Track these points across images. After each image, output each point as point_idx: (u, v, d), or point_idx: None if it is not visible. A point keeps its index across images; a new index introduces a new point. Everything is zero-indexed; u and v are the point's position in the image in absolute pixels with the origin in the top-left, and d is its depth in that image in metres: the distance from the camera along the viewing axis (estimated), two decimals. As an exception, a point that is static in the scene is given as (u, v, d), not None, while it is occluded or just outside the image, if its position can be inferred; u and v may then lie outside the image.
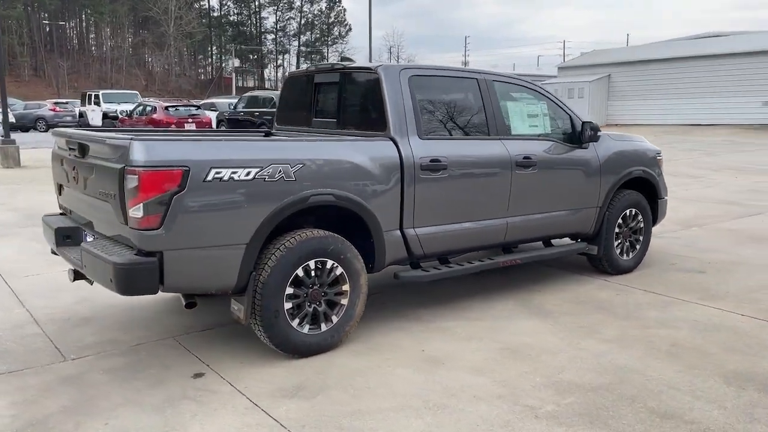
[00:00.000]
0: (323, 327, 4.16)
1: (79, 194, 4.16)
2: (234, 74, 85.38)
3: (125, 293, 3.57)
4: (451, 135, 4.87)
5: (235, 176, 3.68)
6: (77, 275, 4.16)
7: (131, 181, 3.44)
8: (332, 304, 4.20)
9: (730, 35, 37.93)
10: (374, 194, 4.29)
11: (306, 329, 4.09)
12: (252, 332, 4.13)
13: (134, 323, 4.78)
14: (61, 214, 4.78)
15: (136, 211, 3.46)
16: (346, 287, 4.22)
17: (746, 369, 4.01)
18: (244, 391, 3.66)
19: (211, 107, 29.11)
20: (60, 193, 4.68)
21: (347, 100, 5.05)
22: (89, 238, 4.15)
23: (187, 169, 3.51)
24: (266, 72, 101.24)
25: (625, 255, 6.20)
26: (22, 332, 4.59)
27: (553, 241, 5.93)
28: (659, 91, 34.65)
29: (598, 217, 5.86)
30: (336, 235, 4.14)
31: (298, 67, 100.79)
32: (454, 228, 4.81)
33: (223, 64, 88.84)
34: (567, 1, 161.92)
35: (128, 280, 3.49)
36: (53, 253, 4.65)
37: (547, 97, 5.59)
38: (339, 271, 4.16)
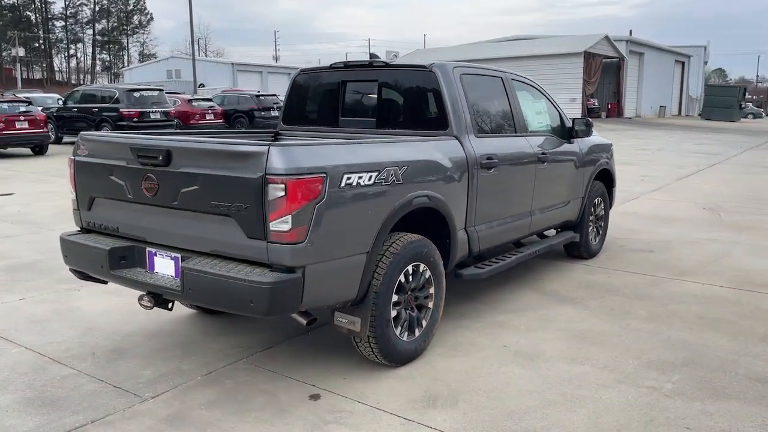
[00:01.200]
0: (416, 332, 4.05)
1: (151, 208, 3.59)
2: (18, 65, 76.36)
3: (268, 315, 3.19)
4: (493, 132, 4.94)
5: (361, 181, 3.45)
6: (157, 301, 3.62)
7: (275, 191, 3.07)
8: (421, 308, 4.10)
9: (534, 38, 42.02)
10: (451, 193, 4.25)
11: (405, 336, 3.95)
12: (318, 345, 4.02)
13: (176, 350, 4.24)
14: (84, 231, 4.08)
15: (281, 224, 3.10)
16: (432, 290, 4.13)
17: (777, 332, 4.62)
18: (381, 407, 3.46)
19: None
20: (89, 208, 3.98)
21: (392, 98, 4.89)
22: (163, 257, 3.61)
23: (325, 175, 3.22)
24: (56, 63, 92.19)
25: (594, 240, 6.73)
26: (53, 375, 3.85)
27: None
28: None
29: (581, 207, 6.30)
30: (425, 237, 4.05)
31: (94, 58, 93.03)
32: (500, 224, 4.91)
33: (4, 53, 79.08)
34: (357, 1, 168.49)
35: (275, 300, 3.12)
36: (90, 279, 3.97)
37: (545, 94, 5.89)
38: (428, 274, 4.07)
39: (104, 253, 3.73)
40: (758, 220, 8.99)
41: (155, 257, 3.69)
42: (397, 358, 3.90)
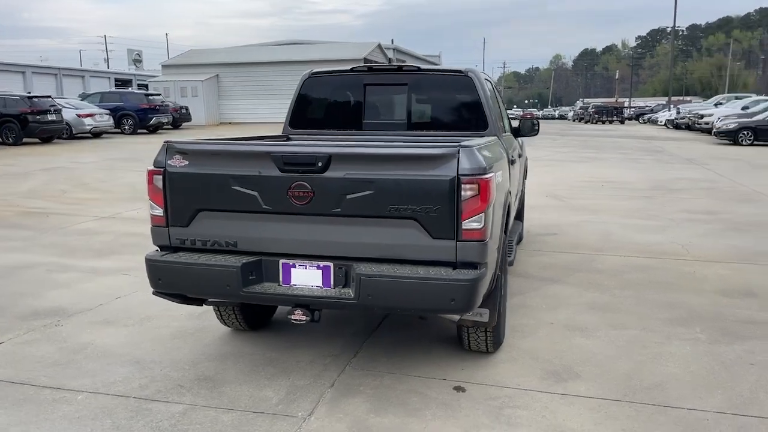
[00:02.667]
0: (500, 319, 4.38)
1: (294, 217, 3.40)
2: None
3: (464, 311, 3.29)
4: (504, 131, 5.41)
5: (499, 180, 3.71)
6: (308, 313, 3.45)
7: (468, 191, 3.20)
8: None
9: (312, 43, 43.11)
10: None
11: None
12: (396, 341, 4.26)
13: (267, 368, 3.99)
14: (172, 249, 3.66)
15: (473, 223, 3.23)
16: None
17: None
18: (526, 387, 3.74)
19: None
20: (188, 224, 3.58)
21: (423, 101, 5.07)
22: (306, 267, 3.45)
23: (493, 174, 3.43)
24: None
25: (519, 229, 7.57)
26: (166, 414, 3.41)
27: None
28: (262, 91, 37.31)
29: (520, 202, 7.07)
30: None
31: None
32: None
33: None
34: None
35: (474, 297, 3.25)
36: (187, 301, 3.60)
37: (500, 95, 6.51)
38: (504, 261, 4.43)
39: (236, 271, 3.44)
40: (598, 203, 10.71)
41: (293, 269, 3.50)
42: (499, 345, 4.19)
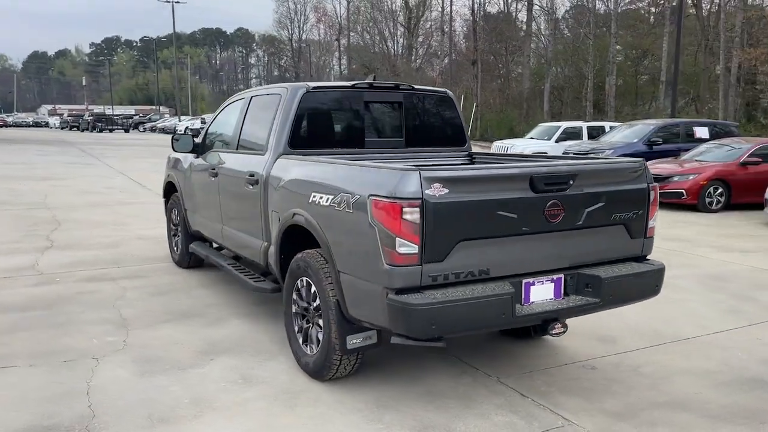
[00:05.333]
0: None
1: (541, 236, 3.53)
2: None
3: (658, 293, 4.00)
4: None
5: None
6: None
7: (653, 197, 3.97)
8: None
9: None
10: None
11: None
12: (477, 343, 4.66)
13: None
14: (420, 289, 3.19)
15: (653, 222, 4.00)
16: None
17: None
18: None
19: None
20: (444, 258, 3.17)
21: (416, 119, 5.09)
22: (543, 283, 3.58)
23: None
24: None
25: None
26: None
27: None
28: None
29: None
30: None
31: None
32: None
33: None
34: None
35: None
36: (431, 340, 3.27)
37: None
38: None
39: (510, 297, 3.34)
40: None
41: (532, 287, 3.57)
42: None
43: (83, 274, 6.56)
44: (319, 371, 3.94)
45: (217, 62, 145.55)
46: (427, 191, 3.15)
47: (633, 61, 39.94)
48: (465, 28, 53.34)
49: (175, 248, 7.02)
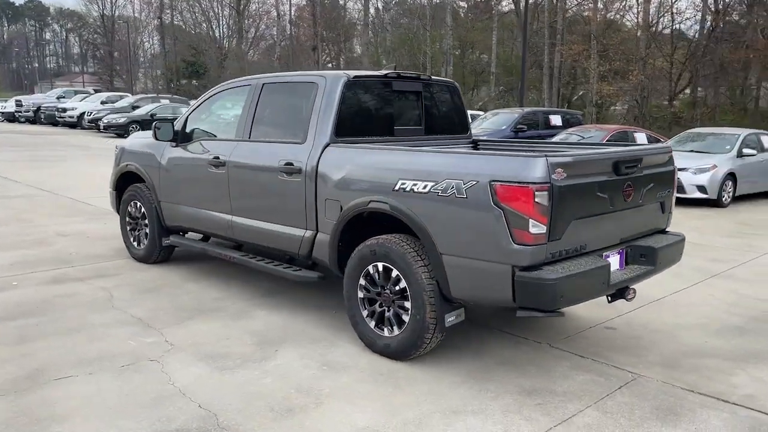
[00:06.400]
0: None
1: (617, 213, 4.00)
2: None
3: None
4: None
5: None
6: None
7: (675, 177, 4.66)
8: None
9: None
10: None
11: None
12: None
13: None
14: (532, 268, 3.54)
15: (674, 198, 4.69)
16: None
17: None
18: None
19: None
20: (561, 236, 3.54)
21: (432, 108, 5.28)
22: (612, 255, 4.08)
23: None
24: None
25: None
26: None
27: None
28: None
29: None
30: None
31: None
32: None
33: None
34: None
35: None
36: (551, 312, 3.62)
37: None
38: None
39: (608, 269, 3.80)
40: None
41: (608, 259, 4.05)
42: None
43: (40, 277, 5.95)
44: (405, 351, 4.10)
45: (5, 36, 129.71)
46: (552, 176, 3.48)
47: (464, 52, 42.67)
48: (297, 12, 53.31)
49: (135, 243, 6.58)
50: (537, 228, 3.48)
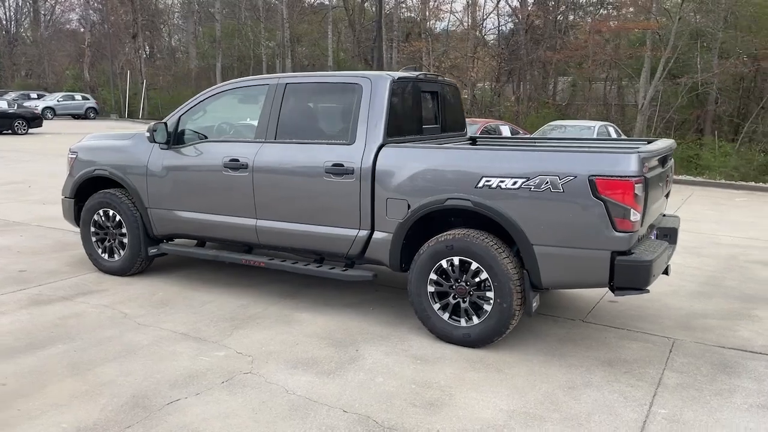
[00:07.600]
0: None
1: (661, 198, 4.62)
2: None
3: None
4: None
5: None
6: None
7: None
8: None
9: None
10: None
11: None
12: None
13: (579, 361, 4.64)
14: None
15: (665, 187, 5.45)
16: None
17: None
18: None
19: None
20: (641, 223, 4.02)
21: (445, 107, 5.51)
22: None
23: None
24: None
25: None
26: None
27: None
28: None
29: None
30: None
31: None
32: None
33: None
34: None
35: None
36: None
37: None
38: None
39: (669, 248, 4.41)
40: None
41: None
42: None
43: (13, 299, 5.26)
44: (488, 338, 4.38)
45: None
46: (643, 171, 3.97)
47: (295, 46, 42.47)
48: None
49: (106, 255, 6.03)
50: (635, 216, 3.95)
